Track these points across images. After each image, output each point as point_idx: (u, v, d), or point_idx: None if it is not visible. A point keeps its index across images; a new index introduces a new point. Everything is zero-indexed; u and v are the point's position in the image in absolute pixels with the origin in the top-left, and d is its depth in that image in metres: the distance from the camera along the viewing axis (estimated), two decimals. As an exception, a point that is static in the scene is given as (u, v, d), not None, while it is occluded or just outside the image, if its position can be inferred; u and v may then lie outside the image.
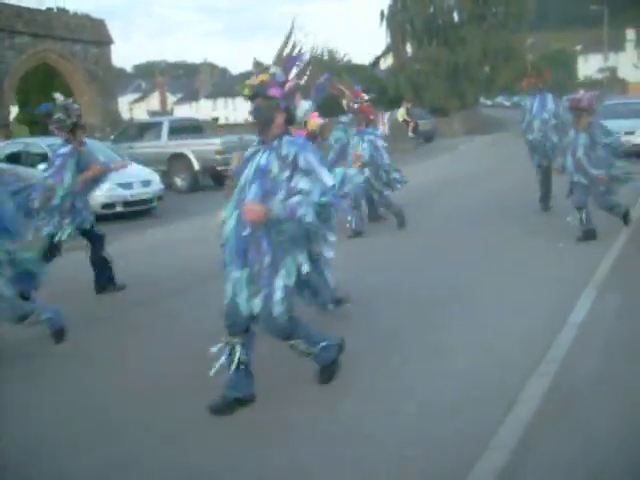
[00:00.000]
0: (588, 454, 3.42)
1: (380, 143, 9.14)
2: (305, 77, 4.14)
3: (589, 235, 7.94)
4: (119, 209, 12.30)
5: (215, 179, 16.55)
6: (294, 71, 4.03)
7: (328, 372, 4.39)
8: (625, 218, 8.38)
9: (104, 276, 6.81)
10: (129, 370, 4.92)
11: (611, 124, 16.86)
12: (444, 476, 3.31)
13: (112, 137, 18.92)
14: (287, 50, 4.07)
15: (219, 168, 15.61)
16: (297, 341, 4.14)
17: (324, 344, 4.22)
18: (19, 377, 4.86)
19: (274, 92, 3.89)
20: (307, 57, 4.10)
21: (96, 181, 6.87)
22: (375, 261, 7.71)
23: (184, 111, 65.58)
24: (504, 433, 3.64)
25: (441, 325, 5.47)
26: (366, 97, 9.30)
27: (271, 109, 3.90)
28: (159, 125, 17.81)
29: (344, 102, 9.10)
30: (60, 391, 4.59)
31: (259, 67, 4.00)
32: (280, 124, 3.95)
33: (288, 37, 4.10)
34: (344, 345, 4.43)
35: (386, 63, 47.47)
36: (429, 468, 3.38)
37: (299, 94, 4.07)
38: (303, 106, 4.08)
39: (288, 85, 3.95)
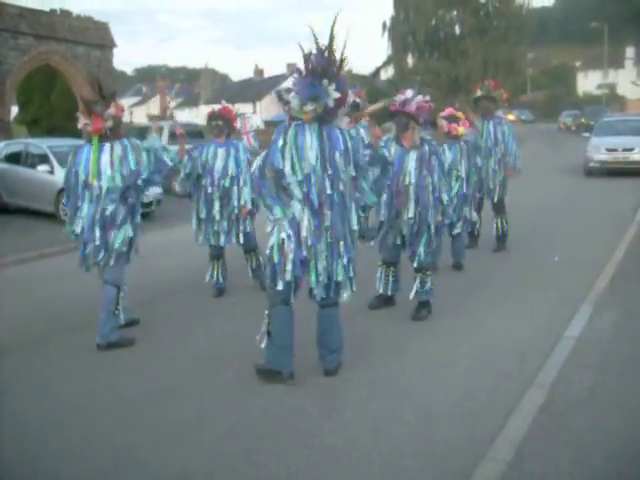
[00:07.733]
0: (582, 467, 3.43)
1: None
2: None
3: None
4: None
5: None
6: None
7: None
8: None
9: None
10: (124, 372, 4.92)
11: (610, 141, 17.27)
12: (440, 486, 3.31)
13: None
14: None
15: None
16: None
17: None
18: (13, 382, 4.86)
19: None
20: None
21: None
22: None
23: (184, 116, 65.53)
24: (500, 445, 3.65)
25: (439, 336, 5.49)
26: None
27: None
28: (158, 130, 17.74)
29: None
30: (56, 393, 4.58)
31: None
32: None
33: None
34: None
35: (387, 74, 47.65)
36: (425, 478, 3.38)
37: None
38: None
39: None
